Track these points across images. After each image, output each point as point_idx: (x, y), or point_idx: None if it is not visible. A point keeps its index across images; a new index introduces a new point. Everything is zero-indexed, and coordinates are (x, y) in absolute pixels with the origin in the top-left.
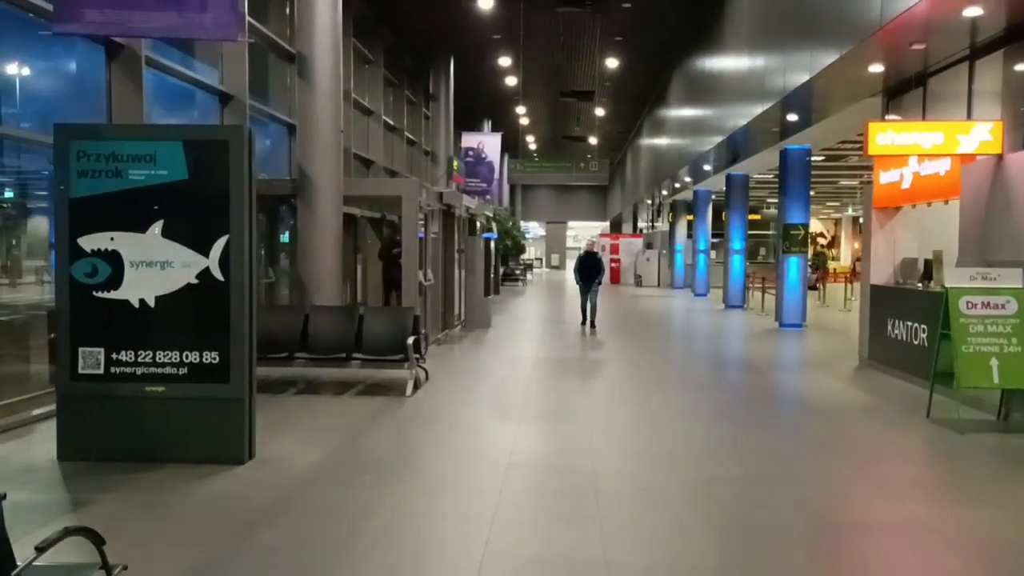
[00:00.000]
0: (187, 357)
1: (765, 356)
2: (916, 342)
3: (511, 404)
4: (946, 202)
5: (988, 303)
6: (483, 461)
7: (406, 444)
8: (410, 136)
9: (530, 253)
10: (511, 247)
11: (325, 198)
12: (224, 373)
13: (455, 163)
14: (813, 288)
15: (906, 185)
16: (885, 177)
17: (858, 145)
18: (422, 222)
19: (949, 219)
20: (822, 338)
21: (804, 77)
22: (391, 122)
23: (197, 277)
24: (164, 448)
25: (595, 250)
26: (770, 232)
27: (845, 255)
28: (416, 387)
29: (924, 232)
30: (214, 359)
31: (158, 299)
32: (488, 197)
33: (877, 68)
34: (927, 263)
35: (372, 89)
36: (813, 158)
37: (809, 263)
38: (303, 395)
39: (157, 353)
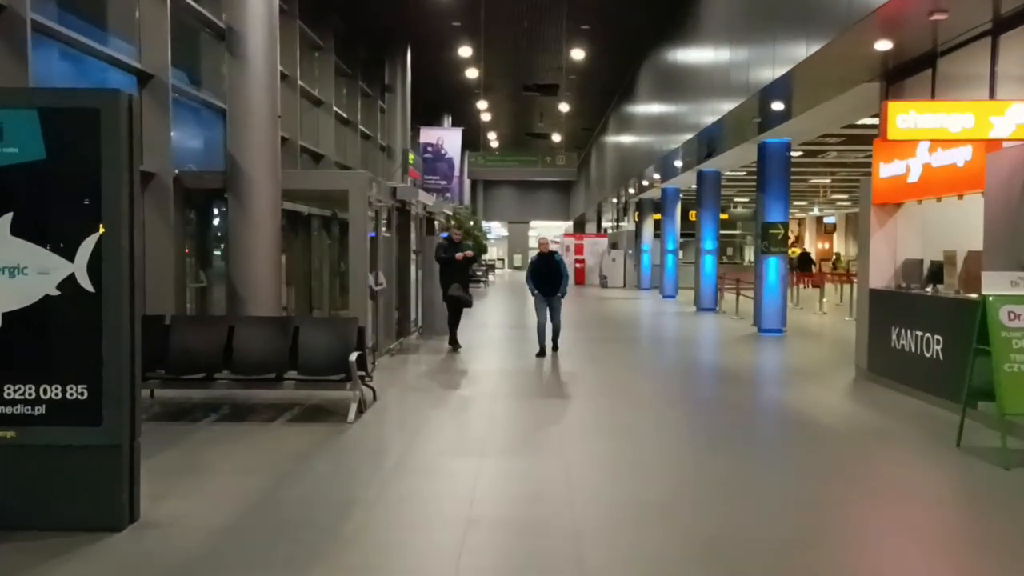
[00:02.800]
0: (45, 392)
1: (750, 367)
2: (929, 354)
3: (471, 432)
4: (960, 197)
5: None
6: (436, 517)
7: (341, 494)
8: (365, 130)
9: (492, 254)
10: (472, 247)
11: (260, 192)
12: (95, 412)
13: (411, 156)
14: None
15: (913, 178)
16: (886, 170)
17: (840, 138)
18: (373, 220)
19: (960, 216)
20: (807, 345)
21: (796, 58)
22: (344, 114)
23: (59, 287)
24: (13, 512)
25: (553, 250)
26: (737, 232)
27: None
28: (361, 410)
29: (929, 231)
30: (81, 394)
31: (5, 316)
32: (448, 195)
33: (884, 45)
34: (933, 265)
35: (323, 78)
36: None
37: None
38: (224, 423)
39: (4, 387)
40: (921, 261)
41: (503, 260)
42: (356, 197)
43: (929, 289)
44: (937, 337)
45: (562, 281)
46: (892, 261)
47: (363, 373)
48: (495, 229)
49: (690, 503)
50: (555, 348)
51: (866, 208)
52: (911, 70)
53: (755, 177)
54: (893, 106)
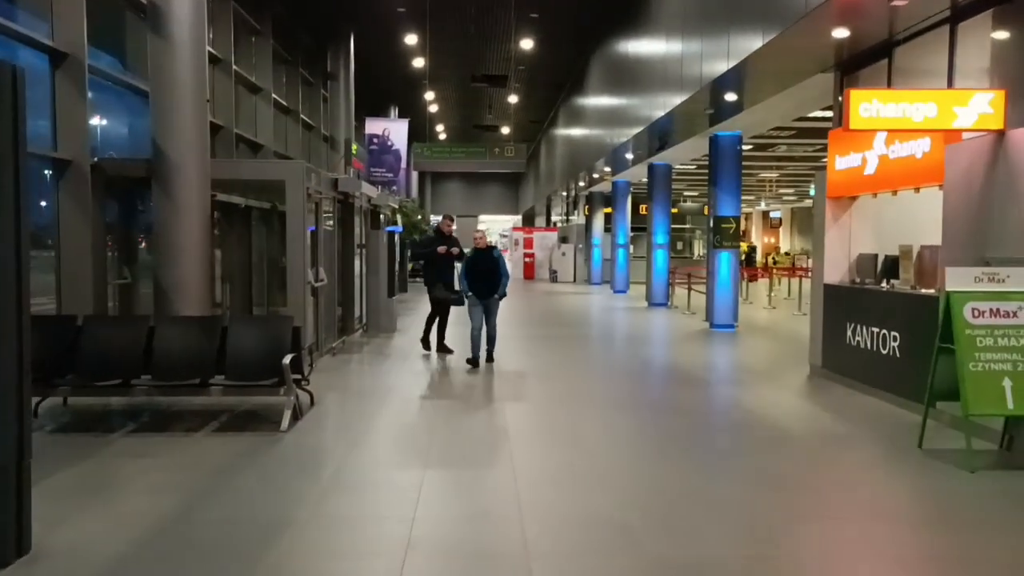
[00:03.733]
0: None
1: (703, 364)
2: (885, 351)
3: (415, 439)
4: (917, 190)
5: (998, 310)
6: (373, 541)
7: (267, 514)
8: (307, 119)
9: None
10: (419, 241)
11: (187, 181)
12: None
13: (354, 147)
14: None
15: (870, 170)
16: (842, 162)
17: (790, 132)
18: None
19: (914, 210)
20: (759, 341)
21: (751, 48)
22: (284, 103)
23: None
24: None
25: (492, 244)
26: (687, 226)
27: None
28: (296, 416)
29: (882, 225)
30: None
31: None
32: (395, 188)
33: (841, 33)
34: (888, 260)
35: (260, 64)
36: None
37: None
38: (142, 434)
39: None
40: (876, 256)
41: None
42: (293, 188)
43: (885, 284)
44: (894, 334)
45: (501, 281)
46: (846, 256)
47: (299, 376)
48: None
49: (645, 520)
50: (490, 359)
51: (821, 202)
52: (867, 60)
53: (706, 171)
54: (855, 94)
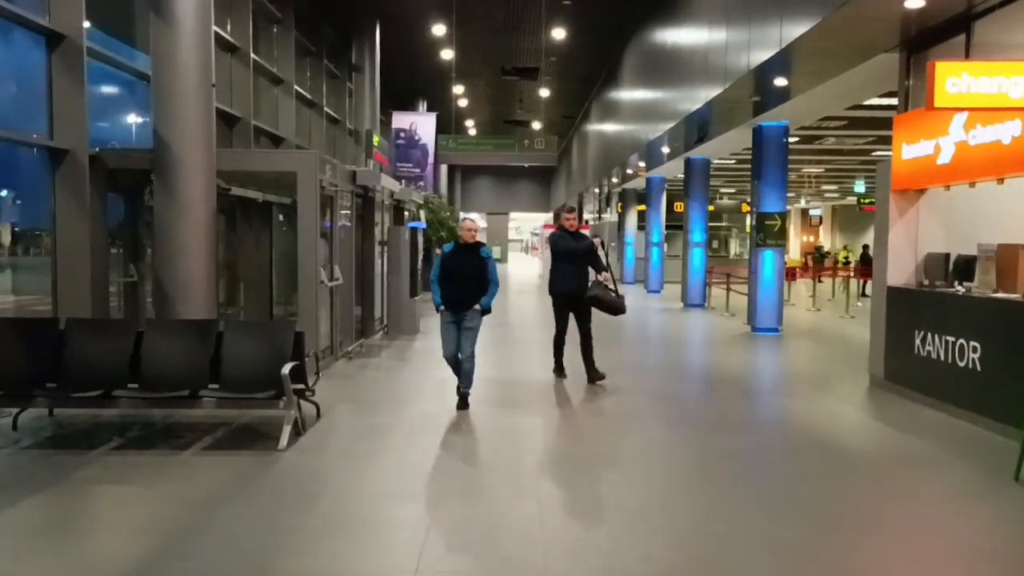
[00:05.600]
0: None
1: (749, 372)
2: (963, 363)
3: (427, 464)
4: (1000, 181)
5: None
6: None
7: (248, 561)
8: (332, 113)
9: None
10: (447, 239)
11: (190, 174)
12: None
13: (375, 138)
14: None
15: (944, 159)
16: (910, 151)
17: (841, 122)
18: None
19: (992, 203)
20: (807, 347)
21: (806, 25)
22: (308, 96)
23: None
24: None
25: (478, 239)
26: (723, 224)
27: (794, 248)
28: (299, 431)
29: (953, 221)
30: None
31: None
32: (422, 183)
33: (915, 2)
34: (961, 260)
35: (282, 54)
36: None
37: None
38: (126, 452)
39: None
40: (947, 255)
41: None
42: (305, 180)
43: (961, 288)
44: (973, 344)
45: (489, 288)
46: (913, 255)
47: (303, 386)
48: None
49: (692, 565)
50: (463, 404)
51: (884, 196)
52: (940, 36)
53: (745, 166)
54: (942, 67)
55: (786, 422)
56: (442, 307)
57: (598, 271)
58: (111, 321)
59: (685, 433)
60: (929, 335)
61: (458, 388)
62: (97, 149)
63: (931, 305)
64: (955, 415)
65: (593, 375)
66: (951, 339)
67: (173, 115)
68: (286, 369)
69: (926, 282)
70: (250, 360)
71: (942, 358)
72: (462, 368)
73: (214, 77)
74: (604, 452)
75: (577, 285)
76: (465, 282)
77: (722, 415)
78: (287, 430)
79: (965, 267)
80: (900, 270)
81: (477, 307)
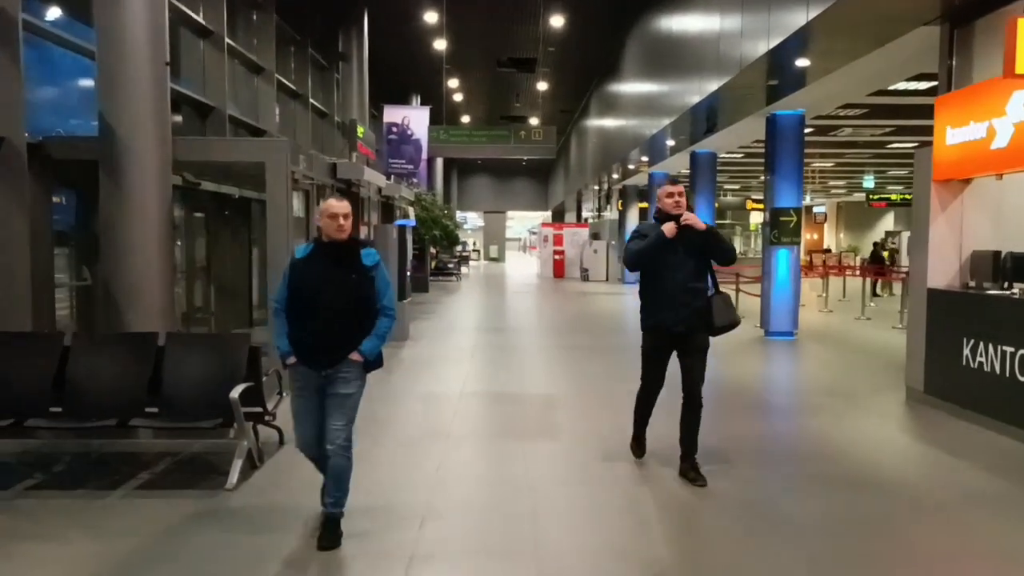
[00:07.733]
0: None
1: (767, 384)
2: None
3: (404, 504)
4: None
5: None
6: None
7: None
8: (318, 105)
9: (470, 244)
10: (441, 237)
11: (141, 163)
12: None
13: (360, 129)
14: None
15: (1000, 143)
16: (955, 135)
17: (861, 110)
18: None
19: None
20: (826, 353)
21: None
22: (291, 85)
23: None
24: None
25: (363, 239)
26: (727, 221)
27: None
28: (255, 464)
29: (1003, 214)
30: None
31: None
32: (415, 180)
33: None
34: (1011, 258)
35: (262, 41)
36: None
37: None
38: (42, 494)
39: None
40: (997, 253)
41: (479, 252)
42: (275, 172)
43: (1016, 290)
44: None
45: (379, 323)
46: (957, 253)
47: (260, 409)
48: (471, 219)
49: None
50: (332, 531)
51: (924, 187)
52: (991, 4)
53: (752, 159)
54: None
55: (816, 446)
56: (291, 358)
57: (726, 263)
58: (36, 335)
59: (703, 462)
60: (981, 344)
61: (323, 502)
62: (40, 138)
63: (984, 310)
64: (1017, 437)
65: (693, 467)
66: (1010, 349)
67: (120, 97)
68: (236, 392)
69: (972, 283)
70: (195, 380)
71: (998, 371)
72: (329, 467)
73: (167, 55)
74: (606, 488)
75: (699, 308)
76: (332, 312)
77: (739, 437)
78: (237, 464)
79: (1018, 266)
80: (942, 270)
81: (355, 356)
